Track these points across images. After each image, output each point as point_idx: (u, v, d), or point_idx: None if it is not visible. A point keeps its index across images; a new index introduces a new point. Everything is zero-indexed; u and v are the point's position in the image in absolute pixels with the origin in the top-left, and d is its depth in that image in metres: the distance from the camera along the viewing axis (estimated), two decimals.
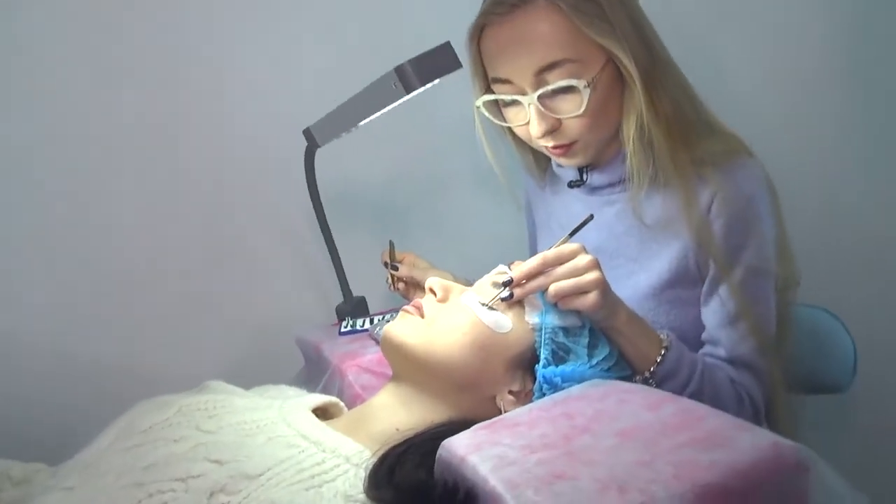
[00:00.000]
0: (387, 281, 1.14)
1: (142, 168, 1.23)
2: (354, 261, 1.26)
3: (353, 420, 0.80)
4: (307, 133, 1.09)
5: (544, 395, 0.77)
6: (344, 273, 1.25)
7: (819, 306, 1.13)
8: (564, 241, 0.82)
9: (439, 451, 0.65)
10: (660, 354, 0.84)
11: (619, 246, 0.97)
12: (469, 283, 0.88)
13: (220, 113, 1.25)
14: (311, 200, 1.20)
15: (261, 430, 0.76)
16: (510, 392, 0.78)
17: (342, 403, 0.89)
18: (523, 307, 0.80)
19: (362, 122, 1.02)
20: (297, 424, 0.76)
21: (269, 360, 1.26)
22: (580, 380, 0.77)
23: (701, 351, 0.94)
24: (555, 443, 0.61)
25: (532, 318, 0.79)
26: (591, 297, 0.77)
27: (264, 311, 1.32)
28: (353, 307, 1.25)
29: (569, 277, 0.77)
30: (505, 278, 0.80)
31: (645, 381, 0.84)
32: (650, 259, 0.95)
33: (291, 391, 0.93)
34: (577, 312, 0.80)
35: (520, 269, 0.79)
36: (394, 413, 0.78)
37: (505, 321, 0.79)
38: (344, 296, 1.27)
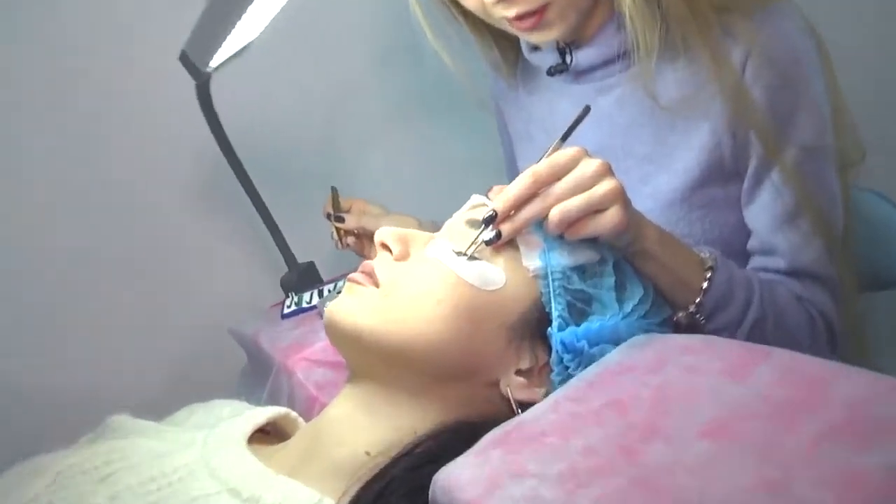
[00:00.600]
0: (332, 237, 0.89)
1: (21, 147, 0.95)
2: (294, 220, 1.01)
3: (303, 446, 0.57)
4: (185, 59, 0.81)
5: (567, 369, 0.54)
6: (282, 237, 1.01)
7: (869, 189, 0.92)
8: (556, 149, 0.58)
9: (432, 490, 0.42)
10: (705, 279, 0.62)
11: (627, 143, 0.74)
12: (437, 228, 0.64)
13: (94, 59, 0.96)
14: (223, 153, 0.93)
15: (173, 489, 0.52)
16: (518, 372, 0.56)
17: (294, 414, 0.66)
18: (517, 249, 0.57)
19: (246, 27, 0.74)
20: (224, 471, 0.53)
21: (210, 360, 1.02)
22: (615, 339, 0.55)
23: (750, 265, 0.73)
24: (611, 461, 0.39)
25: (532, 262, 0.56)
26: (611, 215, 0.54)
27: (197, 301, 1.07)
28: (300, 276, 1.02)
29: (575, 194, 0.54)
30: (486, 212, 0.55)
31: (691, 321, 0.63)
32: (671, 154, 0.72)
33: (227, 408, 0.68)
34: (593, 242, 0.57)
35: (504, 196, 0.55)
36: (358, 429, 0.55)
37: (494, 273, 0.55)
38: (287, 265, 1.04)
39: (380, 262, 0.58)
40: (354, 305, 0.56)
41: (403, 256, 0.58)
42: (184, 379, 1.06)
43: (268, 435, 0.64)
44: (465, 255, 0.57)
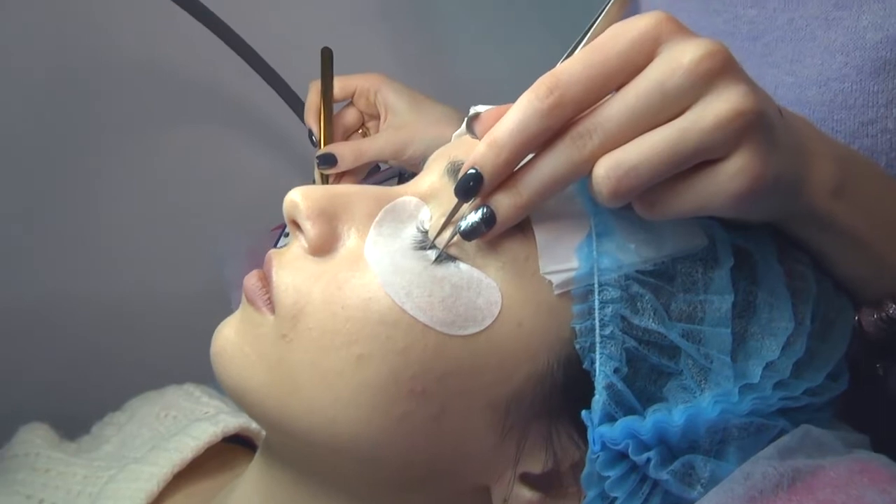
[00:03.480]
0: (314, 175, 0.57)
1: None
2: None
3: None
4: None
5: (613, 502, 0.28)
6: (295, 97, 0.68)
7: None
8: (613, 18, 0.29)
9: None
10: None
11: None
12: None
13: None
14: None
15: None
16: (525, 478, 0.30)
17: (256, 427, 0.45)
18: (531, 240, 0.29)
19: None
20: None
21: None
22: (715, 443, 0.29)
23: None
24: None
25: (560, 264, 0.29)
26: (735, 169, 0.26)
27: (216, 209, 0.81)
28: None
29: (647, 126, 0.26)
30: (462, 171, 0.28)
31: (885, 330, 0.33)
32: None
33: (172, 412, 0.49)
34: (694, 224, 0.30)
35: (496, 135, 0.27)
36: None
37: (477, 294, 0.29)
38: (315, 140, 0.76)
39: (286, 261, 0.32)
40: (238, 347, 0.32)
41: (324, 247, 0.31)
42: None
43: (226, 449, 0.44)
44: (434, 248, 0.30)
